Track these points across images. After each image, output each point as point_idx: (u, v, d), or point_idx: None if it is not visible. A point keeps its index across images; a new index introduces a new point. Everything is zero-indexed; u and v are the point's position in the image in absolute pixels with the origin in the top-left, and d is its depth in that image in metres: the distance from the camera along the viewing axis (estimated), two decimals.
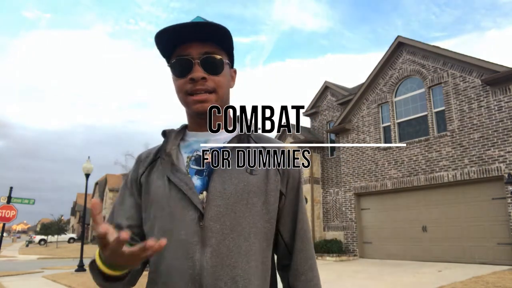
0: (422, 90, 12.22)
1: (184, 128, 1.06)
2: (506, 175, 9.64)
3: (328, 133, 16.46)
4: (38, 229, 49.98)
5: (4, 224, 11.90)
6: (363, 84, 14.16)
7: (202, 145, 1.00)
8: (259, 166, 0.96)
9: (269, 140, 1.04)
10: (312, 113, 18.00)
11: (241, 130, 1.02)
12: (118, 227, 0.95)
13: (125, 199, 1.02)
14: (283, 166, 1.00)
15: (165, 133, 1.03)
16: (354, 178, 13.84)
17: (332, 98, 17.29)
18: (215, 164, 0.94)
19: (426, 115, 12.00)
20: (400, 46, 13.03)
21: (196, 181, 0.93)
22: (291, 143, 16.78)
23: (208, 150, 0.98)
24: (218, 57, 0.95)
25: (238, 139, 0.99)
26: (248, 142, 1.00)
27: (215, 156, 0.96)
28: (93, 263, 0.87)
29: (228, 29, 0.94)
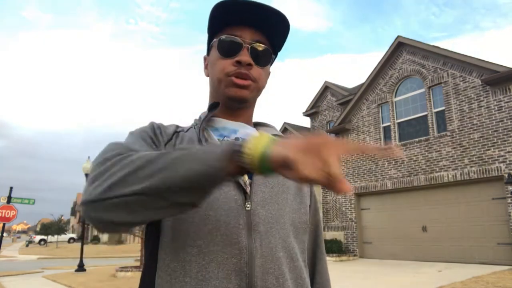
0: (422, 90, 12.22)
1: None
2: (506, 175, 9.64)
3: (328, 133, 16.47)
4: (38, 229, 49.97)
5: (4, 224, 11.90)
6: (363, 84, 14.17)
7: (240, 133, 0.90)
8: None
9: None
10: (312, 113, 18.01)
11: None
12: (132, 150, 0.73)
13: (145, 139, 0.82)
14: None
15: (216, 105, 0.89)
16: (354, 178, 13.84)
17: (332, 98, 17.30)
18: None
19: (426, 115, 12.00)
20: (400, 46, 13.03)
21: None
22: None
23: (239, 139, 0.88)
24: (268, 48, 0.89)
25: None
26: None
27: None
28: (229, 151, 0.59)
29: (289, 22, 0.88)
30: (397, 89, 13.07)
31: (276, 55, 0.95)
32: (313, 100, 18.19)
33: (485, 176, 10.17)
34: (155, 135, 0.85)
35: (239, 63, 0.85)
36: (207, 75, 0.95)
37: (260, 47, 0.88)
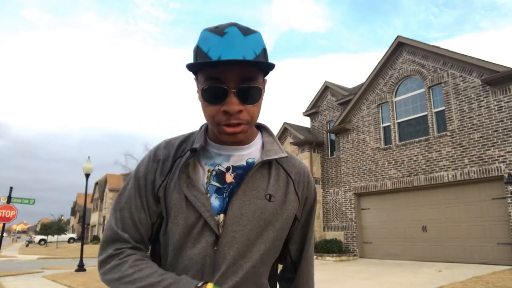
0: (422, 90, 12.22)
1: (205, 131, 0.99)
2: (506, 175, 9.64)
3: (328, 133, 16.46)
4: (38, 229, 49.97)
5: (4, 224, 11.91)
6: (363, 84, 14.17)
7: (233, 159, 0.96)
8: (278, 193, 0.94)
9: (290, 162, 1.01)
10: (312, 113, 18.00)
11: (262, 146, 0.99)
12: (132, 239, 0.93)
13: (131, 200, 0.95)
14: (302, 192, 1.00)
15: (195, 150, 0.93)
16: (354, 178, 13.84)
17: (332, 98, 17.29)
18: (236, 185, 0.92)
19: (426, 115, 12.00)
20: (400, 46, 13.03)
21: (215, 200, 0.91)
22: (290, 143, 16.80)
23: (231, 168, 0.94)
24: (256, 85, 0.86)
25: (262, 164, 0.94)
26: (271, 167, 0.96)
27: (238, 177, 0.93)
28: None
29: (273, 64, 0.85)
30: (397, 89, 13.07)
31: (266, 74, 0.92)
32: (313, 100, 18.18)
33: (485, 176, 10.17)
34: (153, 180, 0.94)
35: (227, 112, 0.83)
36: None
37: (249, 86, 0.84)
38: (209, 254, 0.88)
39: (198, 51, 0.86)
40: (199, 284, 0.81)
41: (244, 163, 0.95)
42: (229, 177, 0.93)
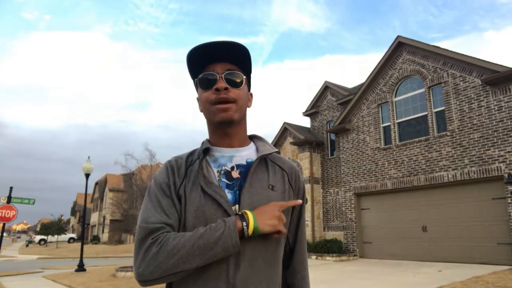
0: (422, 90, 12.22)
1: (208, 141, 1.18)
2: (506, 175, 9.64)
3: (328, 133, 16.46)
4: (38, 229, 49.95)
5: (4, 224, 11.90)
6: (363, 84, 14.16)
7: (235, 159, 1.13)
8: (278, 184, 1.12)
9: (282, 160, 1.21)
10: (312, 113, 18.00)
11: (257, 148, 1.18)
12: (164, 223, 1.01)
13: (160, 201, 1.05)
14: (295, 183, 1.18)
15: (207, 150, 1.13)
16: (354, 178, 13.84)
17: (332, 98, 17.29)
18: (243, 180, 1.09)
19: (426, 115, 12.00)
20: (400, 46, 13.03)
21: (228, 194, 1.06)
22: (290, 143, 16.79)
23: (235, 167, 1.11)
24: (239, 73, 1.11)
25: (259, 160, 1.12)
26: (267, 164, 1.15)
27: (242, 173, 1.10)
28: (236, 232, 0.95)
29: (247, 49, 1.11)
30: (397, 89, 13.07)
31: (249, 75, 1.17)
32: (313, 100, 18.17)
33: (485, 176, 10.17)
34: (174, 182, 1.09)
35: (217, 90, 1.07)
36: (201, 111, 1.15)
37: (232, 73, 1.09)
38: None
39: (191, 57, 1.10)
40: (238, 212, 1.00)
41: (245, 162, 1.13)
42: (235, 174, 1.10)
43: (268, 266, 1.04)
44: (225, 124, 1.09)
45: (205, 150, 1.12)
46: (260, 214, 0.99)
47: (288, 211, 1.14)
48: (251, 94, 1.22)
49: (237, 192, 1.07)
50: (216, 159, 1.13)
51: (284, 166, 1.19)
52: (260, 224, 0.97)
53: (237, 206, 1.04)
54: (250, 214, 0.98)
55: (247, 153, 1.15)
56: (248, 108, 1.18)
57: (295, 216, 1.20)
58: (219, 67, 1.09)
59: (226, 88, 1.06)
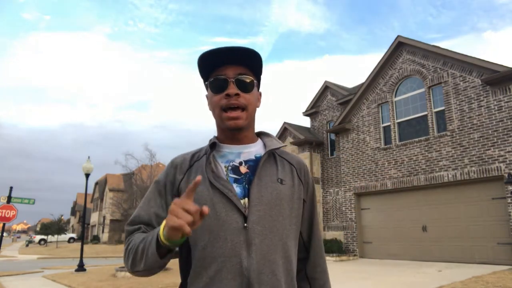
0: (422, 90, 12.22)
1: (215, 138, 1.20)
2: (506, 175, 9.64)
3: (328, 133, 16.45)
4: (38, 229, 49.95)
5: (4, 224, 11.90)
6: (363, 84, 14.16)
7: (243, 155, 1.14)
8: (287, 178, 1.13)
9: (290, 155, 1.23)
10: (312, 113, 17.99)
11: (264, 145, 1.19)
12: (144, 224, 1.09)
13: (151, 200, 1.12)
14: (304, 177, 1.19)
15: (214, 144, 1.14)
16: (354, 178, 13.84)
17: (332, 98, 17.28)
18: (252, 175, 1.09)
19: (426, 115, 12.00)
20: (400, 46, 13.02)
21: (236, 188, 1.07)
22: (290, 143, 16.79)
23: (243, 163, 1.13)
24: (250, 78, 1.11)
25: (268, 154, 1.14)
26: (276, 159, 1.17)
27: (251, 168, 1.12)
28: (155, 241, 0.93)
29: (260, 54, 1.11)
30: (397, 89, 13.07)
31: (259, 79, 1.18)
32: (313, 100, 18.16)
33: (485, 176, 10.17)
34: (174, 178, 1.13)
35: (228, 95, 1.08)
36: (210, 110, 1.16)
37: (243, 78, 1.10)
38: (242, 233, 1.01)
39: (202, 60, 1.10)
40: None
41: (253, 157, 1.15)
42: (243, 169, 1.12)
43: (281, 258, 1.04)
44: (235, 131, 1.11)
45: (212, 145, 1.14)
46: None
47: (299, 205, 1.14)
48: (260, 94, 1.22)
49: (246, 186, 1.08)
50: (224, 155, 1.14)
51: (293, 160, 1.20)
52: (164, 230, 0.88)
53: (246, 199, 1.05)
54: (164, 221, 0.91)
55: (255, 149, 1.16)
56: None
57: (307, 208, 1.21)
58: (231, 71, 1.09)
59: (237, 94, 1.07)
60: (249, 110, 1.11)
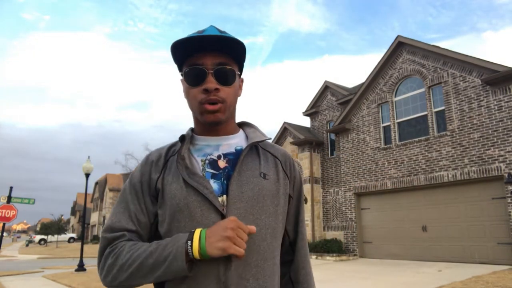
0: (422, 89, 12.22)
1: (191, 130, 1.09)
2: (506, 175, 9.64)
3: (328, 133, 16.45)
4: (38, 228, 49.95)
5: (4, 224, 11.90)
6: (363, 83, 14.16)
7: (222, 148, 1.04)
8: (270, 172, 1.02)
9: (274, 147, 1.12)
10: (312, 112, 17.99)
11: (247, 136, 1.08)
12: (127, 231, 0.97)
13: (129, 204, 1.00)
14: (290, 171, 1.09)
15: (183, 138, 1.03)
16: (354, 177, 13.84)
17: (332, 97, 17.29)
18: (231, 169, 0.99)
19: (426, 115, 12.00)
20: (400, 46, 13.02)
21: (213, 184, 0.97)
22: (290, 143, 16.79)
23: (221, 156, 1.02)
24: (231, 68, 0.99)
25: (250, 147, 1.03)
26: (258, 152, 1.06)
27: (231, 162, 1.01)
28: (183, 255, 0.86)
29: (243, 43, 0.98)
30: (397, 88, 13.07)
31: (241, 69, 1.06)
32: (313, 99, 18.16)
33: (485, 176, 10.17)
34: (149, 177, 1.01)
35: (206, 90, 0.95)
36: (185, 98, 1.04)
37: (223, 69, 0.97)
38: None
39: (177, 45, 0.97)
40: (192, 230, 0.89)
41: (233, 150, 1.03)
42: (222, 163, 1.01)
43: (263, 261, 0.94)
44: (213, 125, 1.01)
45: (182, 138, 1.03)
46: (211, 233, 0.87)
47: (285, 201, 1.04)
48: (242, 80, 1.09)
49: (225, 182, 0.97)
50: (200, 148, 1.03)
51: (277, 153, 1.09)
52: (208, 247, 0.85)
53: (224, 197, 0.95)
54: (198, 234, 0.87)
55: (236, 141, 1.05)
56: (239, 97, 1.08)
57: (293, 206, 1.10)
58: (210, 59, 0.97)
59: (216, 89, 0.96)
60: (228, 103, 0.99)
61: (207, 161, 1.00)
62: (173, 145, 1.07)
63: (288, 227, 1.10)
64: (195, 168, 0.98)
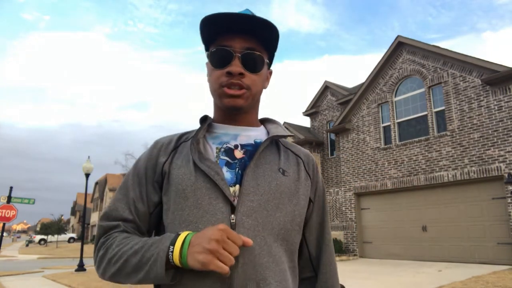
0: (422, 89, 12.22)
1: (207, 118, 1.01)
2: (506, 175, 9.64)
3: (328, 133, 16.46)
4: (38, 229, 49.97)
5: (4, 224, 11.90)
6: (363, 83, 14.16)
7: (241, 138, 0.96)
8: (290, 169, 0.94)
9: (297, 147, 1.04)
10: (312, 112, 18.00)
11: (268, 132, 1.01)
12: (123, 220, 0.90)
13: (129, 190, 0.93)
14: (312, 173, 1.00)
15: (205, 118, 0.97)
16: (354, 178, 13.84)
17: (332, 98, 17.29)
18: (248, 160, 0.91)
19: (426, 115, 12.00)
20: (400, 46, 13.02)
21: (226, 173, 0.88)
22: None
23: (239, 146, 0.94)
24: (260, 55, 0.91)
25: (270, 141, 0.95)
26: (279, 148, 0.98)
27: (248, 152, 0.93)
28: (163, 262, 0.77)
29: (277, 28, 0.91)
30: (397, 88, 13.07)
31: (271, 58, 0.99)
32: (313, 99, 18.17)
33: (485, 176, 10.17)
34: (156, 161, 0.94)
35: (230, 73, 0.88)
36: (208, 82, 0.97)
37: (251, 54, 0.90)
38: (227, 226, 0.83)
39: (206, 21, 0.90)
40: (179, 232, 0.80)
41: (252, 142, 0.96)
42: (239, 153, 0.93)
43: (274, 263, 0.84)
44: (233, 110, 0.93)
45: (203, 119, 0.96)
46: (197, 241, 0.75)
47: (305, 204, 0.94)
48: (270, 72, 1.01)
49: (239, 172, 0.89)
50: (217, 136, 0.95)
51: (299, 152, 1.01)
52: (189, 257, 0.75)
53: (237, 186, 0.86)
54: (182, 238, 0.77)
55: (256, 134, 0.98)
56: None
57: (316, 212, 1.00)
58: (239, 42, 0.89)
59: (241, 73, 0.88)
60: (252, 91, 0.91)
61: (222, 149, 0.93)
62: (186, 132, 1.01)
63: (309, 235, 0.99)
64: (208, 154, 0.91)
